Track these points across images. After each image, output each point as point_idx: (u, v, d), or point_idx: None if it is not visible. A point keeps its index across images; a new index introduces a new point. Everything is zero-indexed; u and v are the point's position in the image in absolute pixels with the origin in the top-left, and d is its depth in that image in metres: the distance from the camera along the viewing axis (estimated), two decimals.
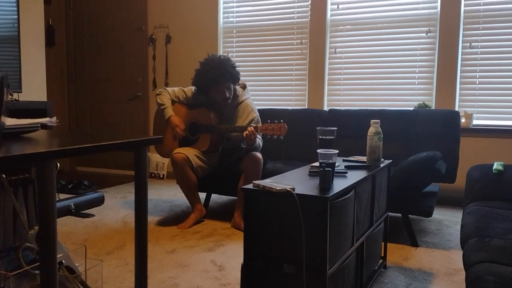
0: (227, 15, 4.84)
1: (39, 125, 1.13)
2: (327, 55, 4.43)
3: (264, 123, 3.03)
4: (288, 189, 1.54)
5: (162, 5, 5.10)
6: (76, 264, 1.30)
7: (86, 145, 0.90)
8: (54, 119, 1.21)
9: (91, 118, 5.61)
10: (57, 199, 3.58)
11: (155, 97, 3.33)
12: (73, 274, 1.23)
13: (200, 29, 4.93)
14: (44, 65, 4.10)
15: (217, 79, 3.06)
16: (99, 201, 3.75)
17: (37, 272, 1.17)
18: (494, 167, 2.28)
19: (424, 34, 4.06)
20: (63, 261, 1.23)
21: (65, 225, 3.18)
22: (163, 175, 5.11)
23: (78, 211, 3.49)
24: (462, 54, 3.95)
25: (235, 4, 4.78)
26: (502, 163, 2.31)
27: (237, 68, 3.16)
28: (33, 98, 3.94)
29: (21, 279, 1.18)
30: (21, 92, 3.54)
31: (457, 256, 2.61)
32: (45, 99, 4.06)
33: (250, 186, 1.64)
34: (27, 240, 1.26)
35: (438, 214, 3.62)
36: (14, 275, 1.14)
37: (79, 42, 5.58)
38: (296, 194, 1.52)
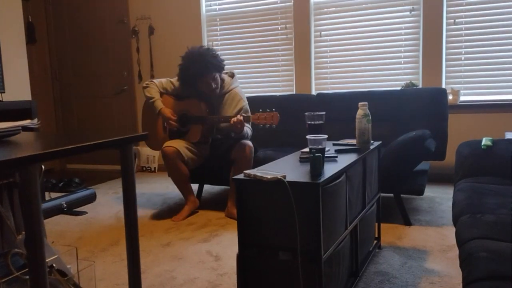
0: (209, 3, 4.78)
1: (20, 128, 1.11)
2: (313, 39, 4.40)
3: (256, 112, 3.01)
4: (279, 177, 1.53)
5: None
6: (68, 266, 1.28)
7: (69, 147, 0.88)
8: (35, 121, 1.18)
9: (78, 114, 5.55)
10: (48, 198, 3.55)
11: (142, 90, 3.29)
12: (65, 277, 1.22)
13: (183, 19, 4.86)
14: (26, 63, 4.03)
15: (200, 71, 3.03)
16: (91, 198, 3.73)
17: (27, 277, 1.15)
18: (483, 142, 2.30)
19: (408, 13, 4.05)
20: (54, 264, 1.21)
21: (57, 224, 3.16)
22: (155, 168, 5.09)
23: (70, 209, 3.46)
24: (446, 31, 3.95)
25: None
26: (490, 138, 2.32)
27: (220, 57, 3.13)
28: (17, 98, 3.87)
29: (12, 285, 1.16)
30: (4, 92, 3.48)
31: (450, 233, 2.64)
32: (29, 98, 4.00)
33: (241, 176, 1.63)
34: (15, 245, 1.24)
35: (430, 191, 3.65)
36: (4, 282, 1.13)
37: (61, 38, 5.49)
38: (288, 181, 1.52)
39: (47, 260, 1.18)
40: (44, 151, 0.82)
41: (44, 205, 3.30)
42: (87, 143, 0.94)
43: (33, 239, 0.83)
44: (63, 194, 3.68)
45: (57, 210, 3.38)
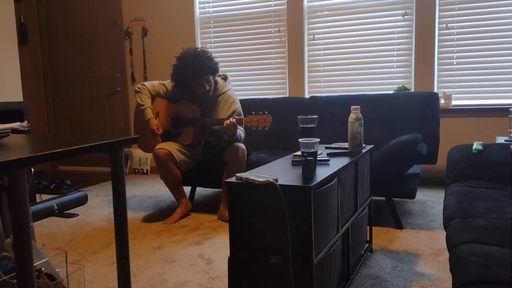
0: (203, 5, 4.78)
1: (9, 130, 1.10)
2: (306, 42, 4.41)
3: (248, 115, 3.01)
4: (271, 180, 1.53)
5: None
6: (57, 270, 1.27)
7: (57, 151, 0.87)
8: (25, 123, 1.17)
9: (70, 116, 5.52)
10: (39, 200, 3.52)
11: (134, 93, 3.28)
12: (54, 281, 1.21)
13: (177, 21, 4.86)
14: (18, 64, 4.00)
15: (194, 73, 3.03)
16: (83, 200, 3.70)
17: (15, 281, 1.14)
18: (474, 147, 2.31)
19: (401, 17, 4.07)
20: (43, 268, 1.20)
21: (48, 226, 3.14)
22: (147, 170, 5.07)
23: (62, 212, 3.44)
24: (439, 36, 3.97)
25: None
26: (481, 142, 2.34)
27: (214, 59, 3.13)
28: (9, 99, 3.85)
29: None
30: None
31: (441, 236, 2.65)
32: (21, 99, 3.97)
33: (233, 179, 1.63)
34: (3, 249, 1.23)
35: (421, 195, 3.67)
36: None
37: (53, 39, 5.46)
38: (279, 185, 1.52)
39: (35, 264, 1.17)
40: (32, 154, 0.81)
41: (35, 207, 3.28)
42: (76, 147, 0.93)
43: (21, 242, 0.82)
44: (54, 196, 3.65)
45: (48, 212, 3.36)
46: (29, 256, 0.83)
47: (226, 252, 2.52)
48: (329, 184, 1.68)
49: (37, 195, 3.85)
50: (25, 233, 0.83)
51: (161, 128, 3.19)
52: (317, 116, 2.09)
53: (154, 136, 3.18)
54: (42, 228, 3.09)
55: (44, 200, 3.46)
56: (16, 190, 0.80)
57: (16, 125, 1.12)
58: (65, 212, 3.47)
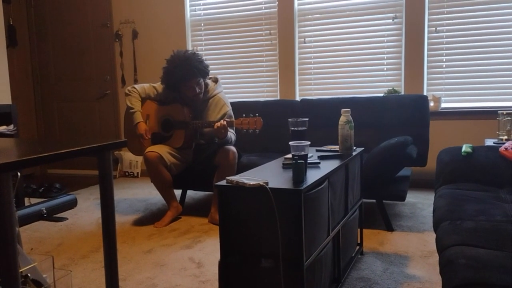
0: (194, 7, 4.77)
1: None
2: (297, 45, 4.42)
3: (239, 117, 3.01)
4: (262, 183, 1.52)
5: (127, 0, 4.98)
6: (44, 276, 1.25)
7: (43, 155, 0.86)
8: (11, 127, 1.16)
9: (60, 119, 5.47)
10: (28, 203, 3.48)
11: (124, 96, 3.27)
12: (41, 287, 1.19)
13: (167, 23, 4.84)
14: (7, 66, 3.96)
15: (185, 76, 3.02)
16: (72, 204, 3.67)
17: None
18: (463, 149, 2.33)
19: (391, 20, 4.10)
20: (29, 274, 1.18)
21: (37, 230, 3.10)
22: (137, 173, 5.04)
23: (51, 215, 3.40)
24: (428, 39, 4.00)
25: None
26: (470, 145, 2.36)
27: (205, 62, 3.12)
28: None
29: None
30: None
31: (431, 238, 2.66)
32: (9, 102, 3.93)
33: (223, 182, 1.62)
34: None
35: (412, 197, 3.69)
36: None
37: (43, 41, 5.41)
38: (270, 188, 1.51)
39: (21, 270, 1.15)
40: (17, 159, 0.80)
41: (24, 211, 3.24)
42: (62, 151, 0.92)
43: (6, 248, 0.81)
44: (43, 199, 3.61)
45: (37, 216, 3.32)
46: (14, 262, 0.82)
47: (217, 255, 2.51)
48: (320, 187, 1.68)
49: (26, 199, 3.81)
50: (10, 238, 0.81)
51: (149, 133, 3.20)
52: (307, 119, 2.09)
53: (142, 141, 3.19)
54: (31, 232, 3.06)
55: (33, 204, 3.42)
56: (0, 195, 0.78)
57: (2, 129, 1.11)
58: (54, 216, 3.43)
